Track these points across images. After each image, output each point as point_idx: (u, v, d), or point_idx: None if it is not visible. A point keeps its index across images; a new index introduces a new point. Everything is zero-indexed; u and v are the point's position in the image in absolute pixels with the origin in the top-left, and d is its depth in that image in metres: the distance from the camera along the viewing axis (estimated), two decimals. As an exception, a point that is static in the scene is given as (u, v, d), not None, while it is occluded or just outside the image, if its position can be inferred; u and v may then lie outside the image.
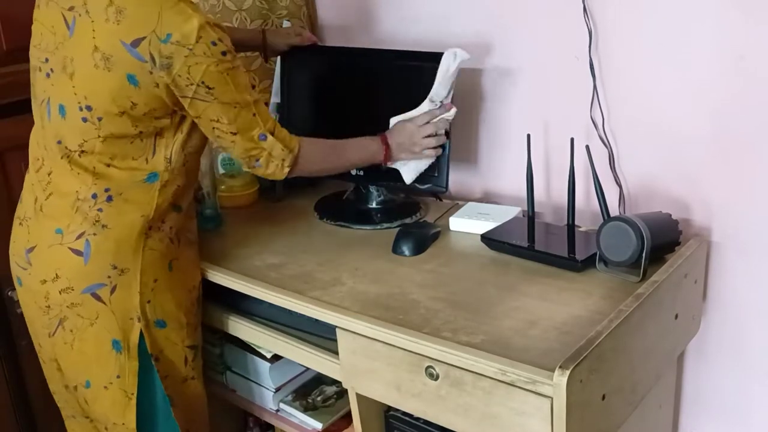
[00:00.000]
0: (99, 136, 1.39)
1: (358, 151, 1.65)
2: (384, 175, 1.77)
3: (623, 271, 1.40)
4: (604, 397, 1.20)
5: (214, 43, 1.36)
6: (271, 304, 1.50)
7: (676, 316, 1.43)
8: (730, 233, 1.52)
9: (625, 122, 1.61)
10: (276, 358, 1.69)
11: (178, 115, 1.43)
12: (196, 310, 1.57)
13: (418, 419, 1.42)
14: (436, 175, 1.69)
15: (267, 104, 2.03)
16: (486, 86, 1.79)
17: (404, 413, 1.43)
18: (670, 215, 1.48)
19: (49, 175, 1.45)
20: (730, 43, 1.42)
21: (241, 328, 1.60)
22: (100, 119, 1.38)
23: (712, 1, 1.42)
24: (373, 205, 1.83)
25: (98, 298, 1.43)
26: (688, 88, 1.50)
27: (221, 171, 1.98)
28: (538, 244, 1.53)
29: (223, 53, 1.37)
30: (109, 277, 1.42)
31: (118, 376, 1.47)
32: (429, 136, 1.65)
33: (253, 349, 1.73)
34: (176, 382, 1.54)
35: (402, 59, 1.72)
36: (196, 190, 1.62)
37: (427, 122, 1.65)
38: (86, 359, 1.47)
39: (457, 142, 1.76)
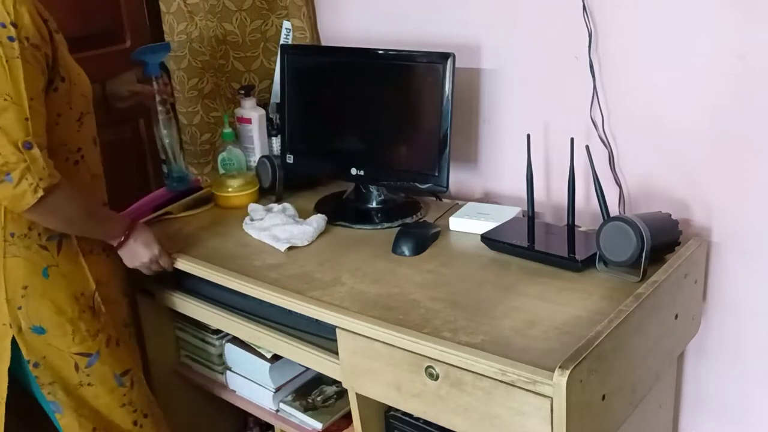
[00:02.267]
0: None
1: (103, 225, 1.53)
2: (384, 175, 1.78)
3: (623, 271, 1.40)
4: (604, 397, 1.20)
5: (4, 26, 1.28)
6: (271, 304, 1.50)
7: (676, 316, 1.43)
8: (730, 233, 1.52)
9: (625, 122, 1.61)
10: (276, 358, 1.69)
11: None
12: (90, 317, 1.53)
13: (418, 419, 1.42)
14: (436, 174, 1.69)
15: (267, 105, 2.03)
16: (486, 86, 1.79)
17: (404, 413, 1.43)
18: (670, 215, 1.48)
19: None
20: (730, 43, 1.42)
21: (241, 328, 1.60)
22: None
23: (712, 1, 1.42)
24: (373, 204, 1.83)
25: None
26: (688, 88, 1.50)
27: (221, 171, 1.98)
28: (538, 244, 1.53)
29: (10, 38, 1.29)
30: None
31: None
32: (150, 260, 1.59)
33: (253, 349, 1.73)
34: (67, 388, 1.52)
35: (402, 59, 1.72)
36: (102, 201, 1.58)
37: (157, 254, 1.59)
38: None
39: (457, 142, 1.76)
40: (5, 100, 1.30)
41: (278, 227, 1.69)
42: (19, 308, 1.46)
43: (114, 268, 1.62)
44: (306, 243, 1.65)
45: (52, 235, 1.48)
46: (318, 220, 1.70)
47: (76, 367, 1.52)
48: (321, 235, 1.70)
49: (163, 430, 1.70)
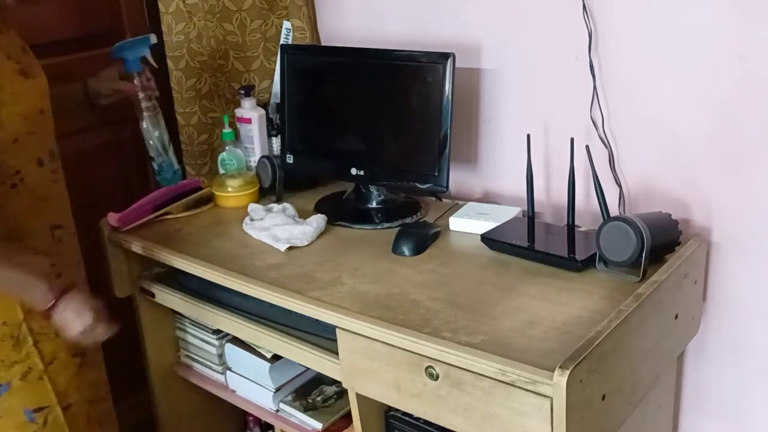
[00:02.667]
0: None
1: (24, 285, 1.36)
2: (384, 175, 1.78)
3: (623, 271, 1.40)
4: (604, 397, 1.20)
5: None
6: (271, 304, 1.50)
7: (676, 316, 1.43)
8: (730, 233, 1.52)
9: (625, 122, 1.61)
10: (276, 358, 1.69)
11: None
12: (9, 347, 1.41)
13: (418, 419, 1.42)
14: (436, 174, 1.69)
15: (267, 105, 2.03)
16: (486, 86, 1.79)
17: (404, 413, 1.43)
18: (670, 215, 1.48)
19: None
20: (729, 43, 1.42)
21: (241, 328, 1.60)
22: None
23: (712, 1, 1.42)
24: (373, 204, 1.83)
25: None
26: (688, 88, 1.50)
27: (221, 171, 1.98)
28: (538, 244, 1.53)
29: None
30: None
31: None
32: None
33: (253, 349, 1.73)
34: None
35: (402, 59, 1.72)
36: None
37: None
38: None
39: (457, 142, 1.76)
40: None
41: (278, 227, 1.69)
42: None
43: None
44: (306, 243, 1.65)
45: None
46: (318, 220, 1.70)
47: None
48: (321, 235, 1.70)
49: None
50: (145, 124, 1.83)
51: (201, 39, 2.05)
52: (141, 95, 1.78)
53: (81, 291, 1.38)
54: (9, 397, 1.42)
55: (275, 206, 1.81)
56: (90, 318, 1.36)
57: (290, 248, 1.63)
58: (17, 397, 1.43)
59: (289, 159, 1.91)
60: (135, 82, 1.76)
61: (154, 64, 1.84)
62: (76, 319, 1.36)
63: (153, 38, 1.83)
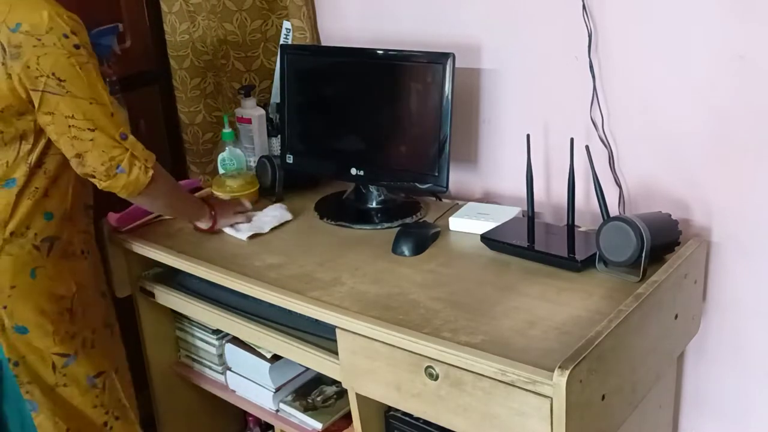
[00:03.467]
0: None
1: (192, 206, 1.70)
2: (384, 175, 1.78)
3: (623, 271, 1.40)
4: (603, 397, 1.20)
5: (66, 36, 1.37)
6: (271, 304, 1.50)
7: (676, 317, 1.43)
8: (730, 233, 1.52)
9: (625, 122, 1.61)
10: (276, 358, 1.69)
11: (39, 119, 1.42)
12: (68, 319, 1.56)
13: (418, 419, 1.42)
14: (436, 174, 1.69)
15: (267, 105, 2.04)
16: (486, 86, 1.79)
17: (404, 413, 1.43)
18: (670, 215, 1.48)
19: None
20: (729, 43, 1.42)
21: (241, 328, 1.60)
22: None
23: (712, 2, 1.42)
24: (373, 204, 1.83)
25: None
26: (688, 88, 1.50)
27: (221, 171, 1.98)
28: (538, 244, 1.53)
29: (76, 46, 1.38)
30: None
31: None
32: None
33: (253, 349, 1.73)
34: (44, 388, 1.55)
35: (402, 59, 1.72)
36: (88, 204, 1.62)
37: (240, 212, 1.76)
38: None
39: (457, 142, 1.76)
40: (91, 103, 1.40)
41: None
42: (5, 307, 1.48)
43: (92, 270, 1.64)
44: (267, 230, 1.72)
45: (46, 237, 1.51)
46: (279, 209, 1.78)
47: (54, 368, 1.54)
48: (321, 235, 1.70)
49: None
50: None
51: (205, 39, 2.05)
52: (108, 80, 1.79)
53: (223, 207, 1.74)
54: (76, 366, 1.57)
55: (249, 206, 1.84)
56: (240, 215, 1.75)
57: (253, 236, 1.69)
58: (81, 365, 1.58)
59: (289, 159, 1.91)
60: (104, 66, 1.79)
61: (118, 51, 1.89)
62: (232, 218, 1.73)
63: (120, 27, 1.93)
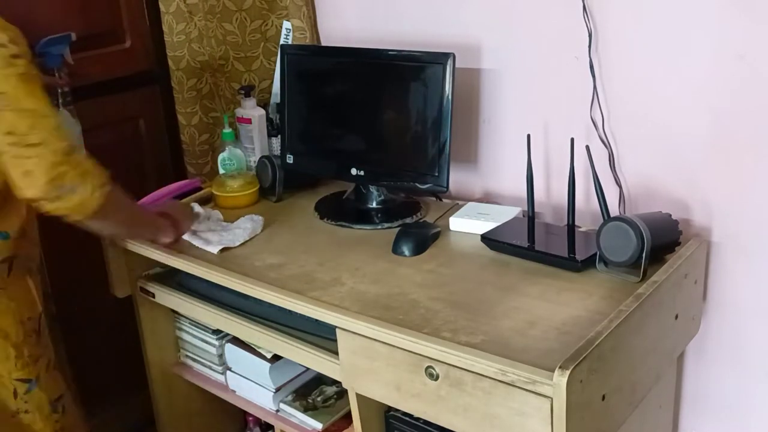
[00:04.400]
0: None
1: (150, 223, 1.58)
2: (384, 175, 1.78)
3: (623, 272, 1.40)
4: (604, 398, 1.20)
5: (3, 45, 1.27)
6: (271, 304, 1.50)
7: (676, 317, 1.43)
8: (730, 233, 1.52)
9: (625, 122, 1.61)
10: (276, 358, 1.69)
11: None
12: (34, 341, 1.50)
13: (418, 419, 1.42)
14: (436, 174, 1.69)
15: (267, 105, 2.03)
16: (486, 86, 1.79)
17: (404, 413, 1.43)
18: (670, 215, 1.48)
19: None
20: (729, 43, 1.42)
21: (241, 328, 1.60)
22: None
23: (712, 1, 1.42)
24: (374, 205, 1.83)
25: None
26: (688, 88, 1.50)
27: (221, 171, 1.98)
28: (538, 244, 1.53)
29: (14, 56, 1.28)
30: None
31: None
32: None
33: (253, 349, 1.73)
34: (4, 416, 1.48)
35: (402, 59, 1.72)
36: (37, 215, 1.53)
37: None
38: None
39: (457, 142, 1.76)
40: (32, 116, 1.28)
41: (210, 233, 1.70)
42: None
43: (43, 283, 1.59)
44: (238, 244, 1.66)
45: (3, 258, 1.44)
46: (250, 222, 1.72)
47: (15, 394, 1.49)
48: (321, 235, 1.70)
49: None
50: (61, 117, 1.81)
51: (202, 39, 2.05)
52: (59, 91, 1.79)
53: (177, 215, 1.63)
54: (38, 391, 1.51)
55: (201, 212, 1.78)
56: (194, 225, 1.67)
57: (224, 250, 1.64)
58: (43, 389, 1.52)
59: (289, 159, 1.91)
60: (56, 76, 1.78)
61: (71, 61, 1.85)
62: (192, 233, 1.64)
63: (73, 36, 1.87)
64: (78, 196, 1.30)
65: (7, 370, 1.47)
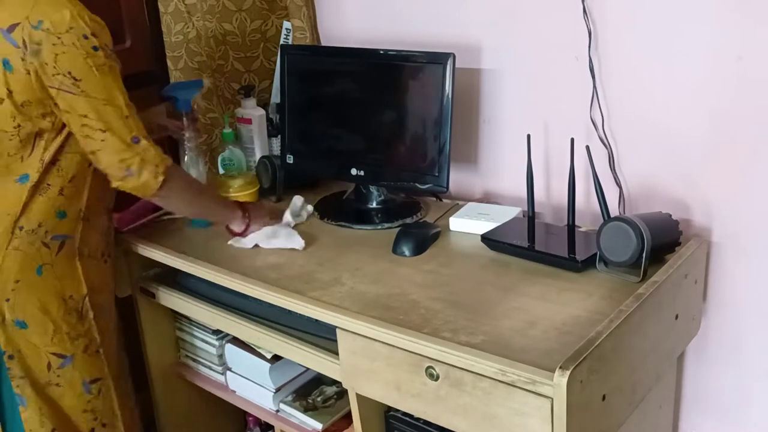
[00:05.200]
0: None
1: (218, 208, 1.70)
2: (385, 175, 1.78)
3: (623, 272, 1.40)
4: (604, 398, 1.20)
5: (86, 36, 1.39)
6: (271, 304, 1.50)
7: (676, 317, 1.43)
8: (730, 233, 1.52)
9: (625, 122, 1.61)
10: (276, 358, 1.69)
11: (59, 116, 1.44)
12: (75, 320, 1.55)
13: (418, 419, 1.42)
14: (436, 174, 1.69)
15: (267, 105, 2.03)
16: (486, 86, 1.79)
17: (404, 413, 1.43)
18: (670, 215, 1.48)
19: None
20: (728, 44, 1.42)
21: (241, 328, 1.60)
22: None
23: (711, 2, 1.42)
24: (374, 205, 1.83)
25: None
26: (688, 89, 1.50)
27: (221, 171, 1.98)
28: (538, 244, 1.53)
29: (95, 48, 1.40)
30: None
31: None
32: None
33: (253, 349, 1.73)
34: (35, 385, 1.54)
35: (402, 59, 1.72)
36: (109, 207, 1.62)
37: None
38: None
39: (457, 142, 1.76)
40: (104, 104, 1.41)
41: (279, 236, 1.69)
42: (7, 300, 1.49)
43: (110, 275, 1.64)
44: (269, 248, 1.66)
45: (56, 235, 1.51)
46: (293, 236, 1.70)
47: (48, 366, 1.54)
48: (321, 235, 1.70)
49: None
50: (185, 162, 1.84)
51: (200, 39, 2.05)
52: (186, 134, 1.83)
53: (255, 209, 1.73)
54: (72, 369, 1.56)
55: (300, 203, 1.82)
56: (269, 223, 1.72)
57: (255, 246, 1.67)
58: (77, 368, 1.57)
59: (289, 159, 1.91)
60: (183, 121, 1.82)
61: (198, 109, 1.93)
62: (267, 219, 1.72)
63: (205, 83, 1.98)
64: (137, 180, 1.46)
65: (44, 343, 1.53)
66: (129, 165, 1.44)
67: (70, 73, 1.38)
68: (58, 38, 1.37)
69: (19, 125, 1.43)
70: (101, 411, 1.62)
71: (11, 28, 1.37)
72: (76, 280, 1.55)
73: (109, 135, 1.42)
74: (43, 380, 1.55)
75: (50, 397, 1.56)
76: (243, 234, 1.68)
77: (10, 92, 1.40)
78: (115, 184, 1.48)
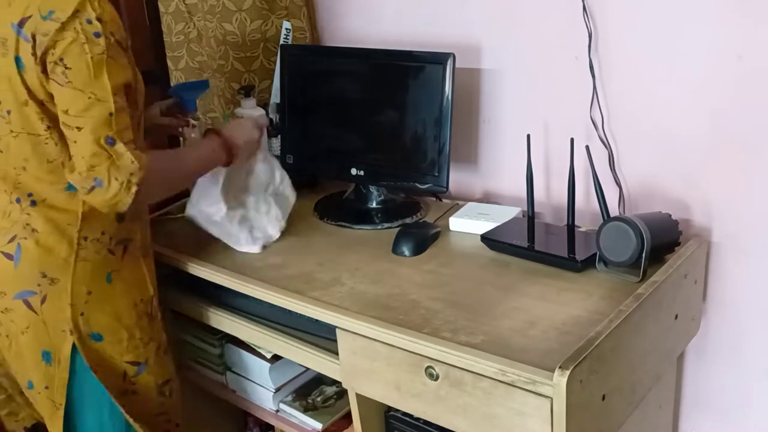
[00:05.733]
0: (11, 132, 1.33)
1: (201, 161, 1.53)
2: (384, 175, 1.78)
3: (623, 272, 1.40)
4: (604, 398, 1.20)
5: (89, 21, 1.25)
6: (271, 304, 1.50)
7: (676, 317, 1.43)
8: (730, 233, 1.52)
9: (625, 122, 1.61)
10: (276, 358, 1.69)
11: None
12: (146, 324, 1.50)
13: (418, 419, 1.42)
14: (436, 174, 1.69)
15: (267, 105, 2.03)
16: (486, 86, 1.79)
17: (404, 413, 1.43)
18: (670, 215, 1.48)
19: None
20: (729, 44, 1.42)
21: (241, 328, 1.60)
22: (9, 112, 1.32)
23: (712, 2, 1.42)
24: (374, 205, 1.83)
25: (29, 306, 1.38)
26: (688, 89, 1.50)
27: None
28: (538, 244, 1.53)
29: (96, 34, 1.26)
30: (38, 285, 1.38)
31: (47, 387, 1.44)
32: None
33: (253, 349, 1.73)
34: (114, 395, 1.47)
35: (402, 59, 1.72)
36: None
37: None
38: (24, 363, 1.44)
39: (457, 142, 1.76)
40: (89, 98, 1.26)
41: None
42: (82, 314, 1.41)
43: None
44: (277, 236, 1.66)
45: (119, 240, 1.44)
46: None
47: (124, 376, 1.48)
48: (321, 235, 1.70)
49: None
50: None
51: (200, 39, 2.05)
52: (192, 135, 1.78)
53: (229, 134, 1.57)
54: (147, 374, 1.50)
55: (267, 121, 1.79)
56: (256, 144, 1.66)
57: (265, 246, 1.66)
58: (151, 373, 1.51)
59: (289, 159, 1.91)
60: (189, 121, 1.78)
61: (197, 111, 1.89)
62: (249, 151, 1.63)
63: (210, 84, 1.94)
64: (105, 193, 1.27)
65: (119, 353, 1.46)
66: (97, 174, 1.26)
67: (62, 59, 1.25)
68: (62, 23, 1.24)
69: (49, 126, 1.32)
70: (174, 412, 1.58)
71: (23, 22, 1.26)
72: (142, 283, 1.50)
73: (82, 136, 1.26)
74: (119, 390, 1.47)
75: (126, 407, 1.49)
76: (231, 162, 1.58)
77: (30, 92, 1.29)
78: (81, 197, 1.33)
